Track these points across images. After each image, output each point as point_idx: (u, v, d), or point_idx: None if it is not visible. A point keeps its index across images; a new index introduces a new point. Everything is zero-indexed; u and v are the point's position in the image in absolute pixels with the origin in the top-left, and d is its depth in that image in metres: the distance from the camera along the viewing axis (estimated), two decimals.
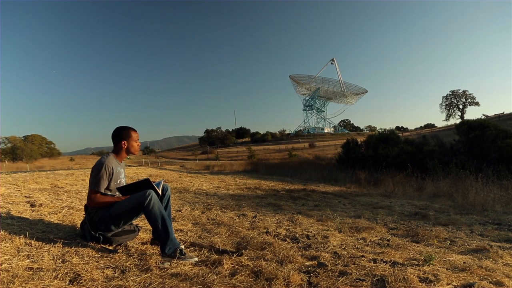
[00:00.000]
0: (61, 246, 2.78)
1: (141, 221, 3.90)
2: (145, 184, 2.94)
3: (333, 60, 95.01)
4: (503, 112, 58.29)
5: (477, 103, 70.88)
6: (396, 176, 13.06)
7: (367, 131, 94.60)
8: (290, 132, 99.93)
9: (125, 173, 3.28)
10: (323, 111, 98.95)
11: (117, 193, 3.04)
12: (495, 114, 57.99)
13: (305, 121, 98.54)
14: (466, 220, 5.66)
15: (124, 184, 3.12)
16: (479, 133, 18.78)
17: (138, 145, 3.22)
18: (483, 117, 55.02)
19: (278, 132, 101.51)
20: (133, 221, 3.12)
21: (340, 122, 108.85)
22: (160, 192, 3.03)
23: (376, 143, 21.87)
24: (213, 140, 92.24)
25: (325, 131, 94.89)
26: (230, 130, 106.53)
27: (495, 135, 18.52)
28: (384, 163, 17.23)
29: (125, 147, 3.12)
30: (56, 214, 3.99)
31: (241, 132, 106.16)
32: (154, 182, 3.03)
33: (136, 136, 3.18)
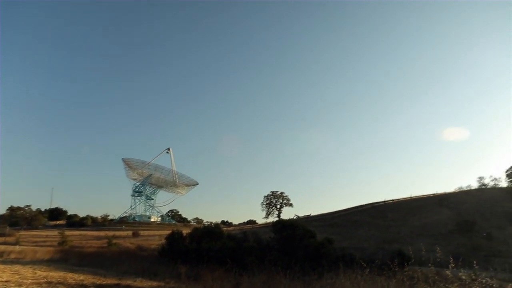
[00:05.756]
0: None
1: None
2: None
3: (169, 149, 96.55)
4: (310, 214, 67.60)
5: (291, 204, 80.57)
6: (216, 271, 13.20)
7: (194, 223, 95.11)
8: (114, 218, 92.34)
9: None
10: (153, 199, 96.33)
11: None
12: (304, 215, 66.71)
13: (132, 207, 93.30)
14: None
15: None
16: (290, 232, 21.17)
17: None
18: (295, 217, 62.81)
19: (100, 217, 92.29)
20: None
21: (168, 212, 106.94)
22: None
23: (200, 236, 22.11)
24: (17, 220, 76.92)
25: (152, 220, 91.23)
26: (43, 209, 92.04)
27: (302, 234, 21.18)
28: (206, 257, 17.35)
29: None
30: None
31: (56, 214, 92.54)
32: None
33: None
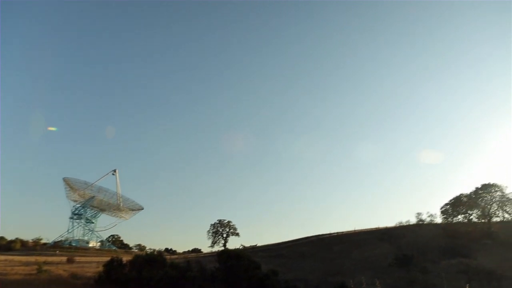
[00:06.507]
0: None
1: None
2: None
3: (115, 171, 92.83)
4: (256, 244, 67.56)
5: (237, 234, 80.00)
6: None
7: (136, 250, 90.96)
8: (48, 242, 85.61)
9: None
10: (93, 223, 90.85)
11: None
12: (250, 246, 66.49)
13: (69, 231, 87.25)
14: None
15: None
16: (235, 262, 20.87)
17: None
18: (241, 247, 62.30)
19: (31, 240, 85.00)
20: None
21: (109, 237, 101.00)
22: None
23: (142, 264, 21.14)
24: None
25: (90, 245, 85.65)
26: None
27: (247, 265, 20.95)
28: (146, 286, 16.57)
29: None
30: None
31: None
32: None
33: None
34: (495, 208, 55.03)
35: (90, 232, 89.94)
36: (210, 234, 79.68)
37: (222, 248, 69.90)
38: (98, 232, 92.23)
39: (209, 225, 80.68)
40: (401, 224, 64.99)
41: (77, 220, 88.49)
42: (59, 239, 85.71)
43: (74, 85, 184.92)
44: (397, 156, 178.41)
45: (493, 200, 54.89)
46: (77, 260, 49.73)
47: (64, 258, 50.39)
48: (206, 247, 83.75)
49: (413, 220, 63.84)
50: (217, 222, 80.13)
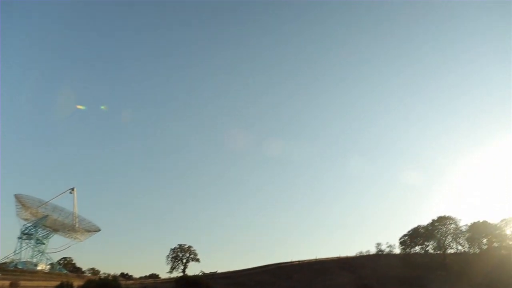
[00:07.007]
0: None
1: None
2: None
3: (73, 189, 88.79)
4: (216, 271, 66.16)
5: (198, 260, 77.81)
6: None
7: (89, 274, 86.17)
8: None
9: None
10: (44, 244, 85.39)
11: None
12: (210, 272, 65.06)
13: (17, 252, 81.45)
14: None
15: None
16: None
17: None
18: (200, 274, 60.79)
19: None
20: None
21: (60, 259, 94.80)
22: None
23: None
24: None
25: (39, 268, 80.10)
26: None
27: None
28: None
29: None
30: None
31: None
32: None
33: None
34: (450, 240, 57.20)
35: (40, 254, 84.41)
36: (169, 259, 77.12)
37: (181, 274, 67.77)
38: (49, 254, 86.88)
39: (169, 250, 78.26)
40: (361, 254, 65.91)
41: (26, 240, 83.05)
42: (4, 261, 79.84)
43: (37, 94, 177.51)
44: (361, 184, 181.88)
45: (448, 232, 57.06)
46: (22, 285, 46.39)
47: (6, 283, 46.80)
48: (164, 272, 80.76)
49: (373, 250, 65.03)
50: (177, 246, 77.88)
